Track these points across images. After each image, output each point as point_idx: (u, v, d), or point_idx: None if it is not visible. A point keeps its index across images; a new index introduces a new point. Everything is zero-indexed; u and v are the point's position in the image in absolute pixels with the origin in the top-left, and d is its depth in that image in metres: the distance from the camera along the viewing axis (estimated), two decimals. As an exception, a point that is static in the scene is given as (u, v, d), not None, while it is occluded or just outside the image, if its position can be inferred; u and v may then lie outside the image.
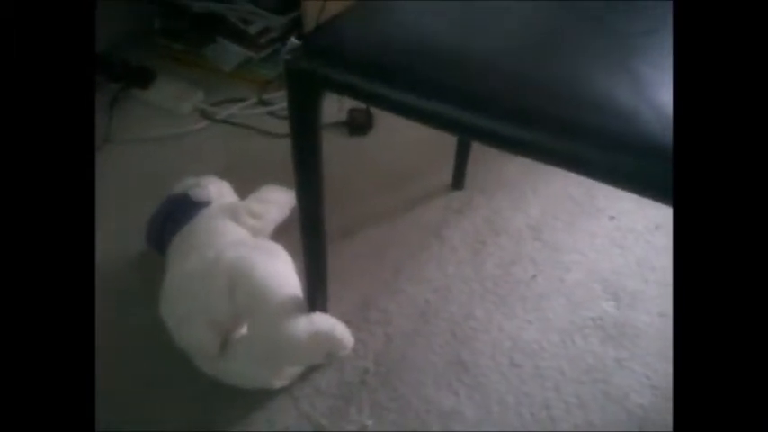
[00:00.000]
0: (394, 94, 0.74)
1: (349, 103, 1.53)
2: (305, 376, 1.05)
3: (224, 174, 1.26)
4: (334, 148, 1.42)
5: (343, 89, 0.79)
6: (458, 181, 1.42)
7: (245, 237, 1.09)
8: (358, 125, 1.57)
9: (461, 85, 0.70)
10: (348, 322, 1.07)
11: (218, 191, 1.19)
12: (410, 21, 0.80)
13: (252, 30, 1.70)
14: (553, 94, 0.67)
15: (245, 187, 1.23)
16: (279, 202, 1.18)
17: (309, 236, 0.98)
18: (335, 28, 0.80)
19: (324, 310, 1.05)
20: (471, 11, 0.80)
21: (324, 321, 1.00)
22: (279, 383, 1.01)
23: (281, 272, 1.02)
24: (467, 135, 1.10)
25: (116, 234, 1.27)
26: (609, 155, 0.63)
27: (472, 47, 0.74)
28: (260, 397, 1.02)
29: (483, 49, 0.74)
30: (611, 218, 1.35)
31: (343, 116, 1.58)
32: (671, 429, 0.97)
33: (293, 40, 0.79)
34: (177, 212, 1.13)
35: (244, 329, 0.99)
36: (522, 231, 1.32)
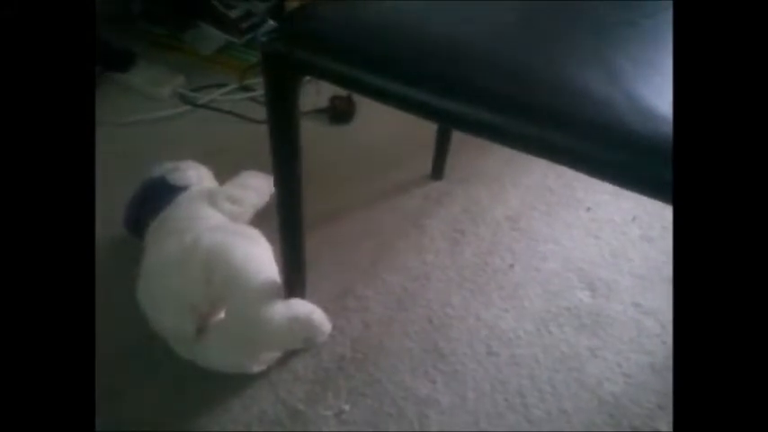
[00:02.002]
0: (372, 78, 0.73)
1: (330, 90, 1.53)
2: (282, 362, 1.05)
3: (203, 159, 1.25)
4: (315, 135, 1.41)
5: (321, 73, 0.78)
6: (437, 171, 1.43)
7: (224, 222, 1.09)
8: (339, 113, 1.57)
9: (439, 71, 0.70)
10: (325, 308, 1.07)
11: (197, 175, 1.18)
12: (390, 5, 0.80)
13: (233, 14, 1.69)
14: (529, 82, 0.67)
15: (224, 172, 1.22)
16: (258, 187, 1.17)
17: (287, 222, 0.98)
18: (315, 11, 0.80)
19: (301, 296, 1.05)
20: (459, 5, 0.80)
21: (301, 307, 1.00)
22: (256, 368, 1.01)
23: (259, 257, 1.02)
24: (444, 121, 1.10)
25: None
26: (584, 144, 0.63)
27: (451, 33, 0.74)
28: (237, 381, 1.02)
29: (462, 35, 0.74)
30: (588, 209, 1.37)
31: (324, 103, 1.57)
32: (642, 416, 1.00)
33: (270, 23, 0.78)
34: (155, 197, 1.12)
35: (221, 314, 0.99)
36: (499, 221, 1.33)
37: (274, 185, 0.92)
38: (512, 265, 1.24)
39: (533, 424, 0.99)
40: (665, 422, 0.98)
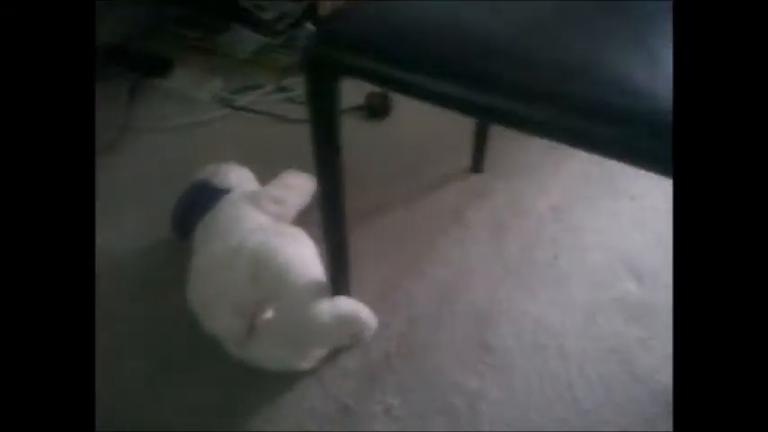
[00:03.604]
0: (411, 77, 0.74)
1: (366, 86, 1.54)
2: (330, 358, 1.06)
3: (244, 160, 1.27)
4: (353, 132, 1.42)
5: (362, 74, 0.79)
6: (477, 164, 1.42)
7: (268, 223, 1.10)
8: (376, 109, 1.58)
9: (476, 66, 0.70)
10: (371, 304, 1.08)
11: (238, 177, 1.20)
12: (423, 4, 0.80)
13: (267, 16, 1.70)
14: (567, 72, 0.66)
15: (265, 173, 1.24)
16: (300, 187, 1.19)
17: (330, 220, 0.98)
18: (351, 12, 0.80)
19: (347, 293, 1.06)
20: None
21: (347, 304, 1.01)
22: (305, 366, 1.02)
23: (304, 256, 1.03)
24: (484, 117, 1.10)
25: (140, 223, 1.28)
26: (624, 132, 0.62)
27: (487, 27, 0.74)
28: (286, 379, 1.03)
29: (497, 29, 0.74)
30: (633, 198, 1.35)
31: (360, 100, 1.58)
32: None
33: (309, 26, 0.80)
34: (200, 200, 1.14)
35: (270, 314, 1.01)
36: (542, 213, 1.32)
37: (317, 185, 0.93)
38: (556, 257, 1.23)
39: (583, 415, 0.98)
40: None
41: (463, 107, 0.73)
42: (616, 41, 0.69)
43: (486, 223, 1.30)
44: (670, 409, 0.98)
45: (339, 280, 1.05)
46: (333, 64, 0.79)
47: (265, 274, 0.97)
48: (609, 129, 0.64)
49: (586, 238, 1.26)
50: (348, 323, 1.00)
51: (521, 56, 0.70)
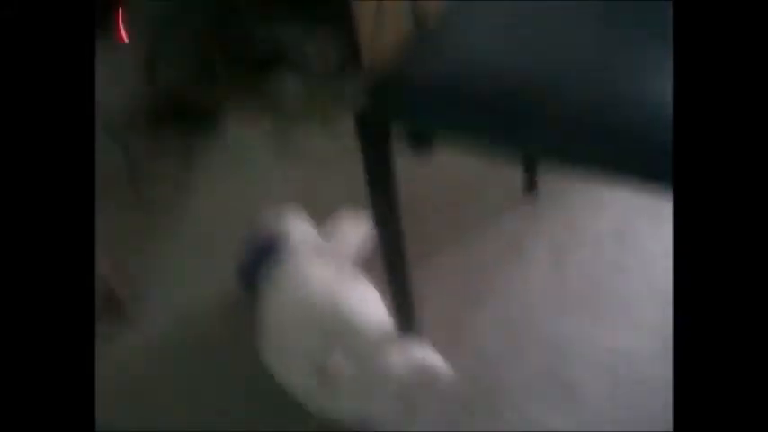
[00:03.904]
0: (467, 136, 0.79)
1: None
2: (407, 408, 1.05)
3: (299, 202, 1.29)
4: (400, 168, 1.43)
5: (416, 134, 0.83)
6: (529, 188, 1.40)
7: (330, 273, 1.11)
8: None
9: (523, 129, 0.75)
10: (439, 346, 1.07)
11: (296, 222, 1.21)
12: (470, 58, 0.80)
13: (312, 60, 1.72)
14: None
15: (320, 216, 1.25)
16: (358, 232, 1.19)
17: (392, 262, 0.99)
18: (399, 74, 0.82)
19: (414, 336, 1.06)
20: (527, 33, 0.81)
21: (419, 353, 1.01)
22: (383, 416, 1.02)
23: (369, 303, 1.04)
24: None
25: (204, 276, 1.31)
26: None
27: (541, 73, 0.75)
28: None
29: (550, 72, 0.75)
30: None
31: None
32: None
33: (354, 77, 0.83)
34: (263, 252, 1.16)
35: (343, 366, 1.01)
36: (602, 235, 1.29)
37: (375, 230, 0.94)
38: (622, 280, 1.20)
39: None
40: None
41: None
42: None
43: (546, 249, 1.28)
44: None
45: (406, 323, 1.05)
46: (387, 129, 0.82)
47: (334, 327, 0.98)
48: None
49: (651, 258, 1.23)
50: (421, 372, 0.99)
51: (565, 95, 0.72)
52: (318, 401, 1.00)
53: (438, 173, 1.51)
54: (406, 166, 1.52)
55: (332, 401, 0.99)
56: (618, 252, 1.25)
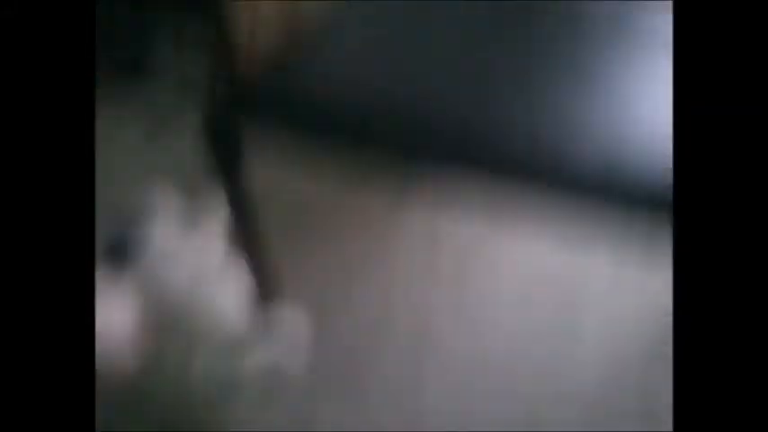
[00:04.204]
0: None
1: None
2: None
3: (166, 177, 1.20)
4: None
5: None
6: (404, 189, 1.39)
7: (197, 253, 1.06)
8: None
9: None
10: (309, 314, 1.05)
11: (163, 197, 1.16)
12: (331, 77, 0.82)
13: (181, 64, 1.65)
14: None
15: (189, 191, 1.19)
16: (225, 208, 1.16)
17: (247, 238, 0.97)
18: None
19: (276, 307, 1.03)
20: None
21: (271, 355, 0.98)
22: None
23: (226, 301, 1.00)
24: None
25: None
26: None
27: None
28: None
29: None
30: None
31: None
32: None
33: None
34: (128, 229, 1.10)
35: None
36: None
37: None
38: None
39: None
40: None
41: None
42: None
43: (425, 224, 1.28)
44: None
45: (267, 295, 1.03)
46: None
47: (194, 326, 0.94)
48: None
49: (523, 236, 1.25)
50: (273, 374, 0.97)
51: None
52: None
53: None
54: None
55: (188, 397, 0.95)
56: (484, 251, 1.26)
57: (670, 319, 0.46)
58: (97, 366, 0.53)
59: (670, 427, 0.46)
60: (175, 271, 0.99)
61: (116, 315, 0.93)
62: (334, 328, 1.10)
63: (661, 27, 0.85)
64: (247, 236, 0.96)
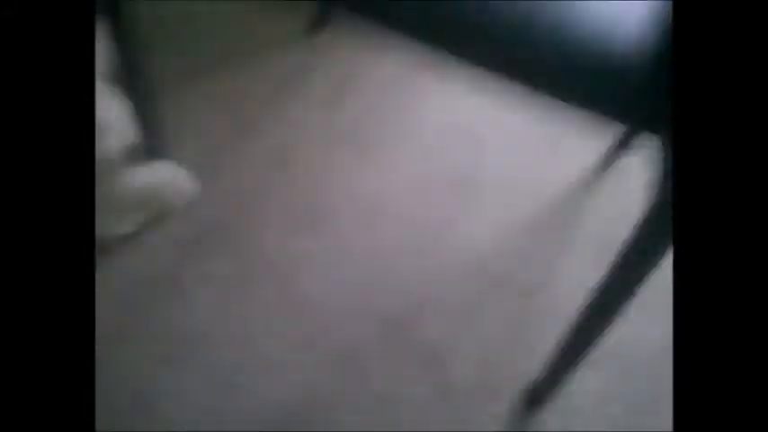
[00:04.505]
0: None
1: None
2: (153, 224, 1.02)
3: None
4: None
5: None
6: (320, 22, 1.33)
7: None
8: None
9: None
10: (198, 166, 1.03)
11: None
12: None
13: None
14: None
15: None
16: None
17: (132, 77, 0.90)
18: None
19: (165, 157, 1.00)
20: None
21: (163, 170, 0.96)
22: (123, 230, 0.98)
23: (113, 117, 0.95)
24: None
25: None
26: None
27: None
28: (105, 244, 0.98)
29: None
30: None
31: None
32: (506, 269, 1.07)
33: None
34: None
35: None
36: (384, 80, 1.28)
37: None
38: (386, 119, 1.22)
39: (403, 279, 1.03)
40: (528, 274, 1.05)
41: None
42: None
43: (326, 85, 1.25)
44: (482, 272, 1.06)
45: (154, 142, 0.98)
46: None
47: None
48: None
49: (427, 104, 1.26)
50: (163, 189, 0.95)
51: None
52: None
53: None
54: None
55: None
56: (395, 97, 1.26)
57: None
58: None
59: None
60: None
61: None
62: (221, 186, 1.09)
63: None
64: (132, 78, 0.89)
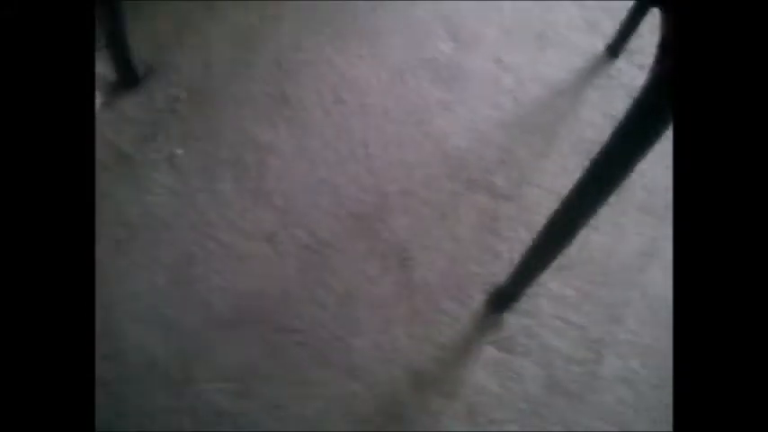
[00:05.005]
0: None
1: None
2: (109, 102, 0.95)
3: None
4: None
5: None
6: None
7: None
8: None
9: None
10: (161, 46, 0.95)
11: None
12: None
13: None
14: None
15: None
16: None
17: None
18: None
19: (121, 32, 0.91)
20: None
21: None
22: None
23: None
24: None
25: None
26: None
27: None
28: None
29: None
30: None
31: None
32: (481, 170, 1.03)
33: None
34: None
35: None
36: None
37: None
38: (375, 9, 1.14)
39: (373, 174, 0.99)
40: (502, 176, 1.02)
41: None
42: None
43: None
44: (456, 170, 1.02)
45: (110, 17, 0.89)
46: None
47: None
48: None
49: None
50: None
51: None
52: None
53: None
54: None
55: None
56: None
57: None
58: None
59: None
60: None
61: None
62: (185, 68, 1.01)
63: None
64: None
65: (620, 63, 1.12)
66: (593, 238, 0.97)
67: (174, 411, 0.79)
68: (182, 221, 0.90)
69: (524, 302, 0.90)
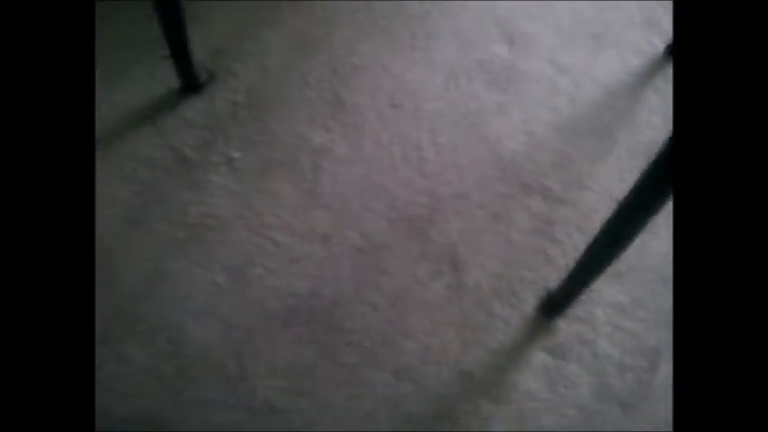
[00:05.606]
0: None
1: None
2: (171, 107, 0.99)
3: None
4: None
5: None
6: None
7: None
8: None
9: None
10: (219, 52, 0.99)
11: None
12: None
13: None
14: None
15: None
16: None
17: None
18: None
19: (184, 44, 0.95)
20: None
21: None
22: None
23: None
24: None
25: None
26: None
27: None
28: (122, 127, 0.97)
29: None
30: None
31: None
32: (535, 173, 1.02)
33: None
34: None
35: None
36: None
37: None
38: (429, 12, 1.15)
39: (426, 177, 1.00)
40: (557, 180, 1.01)
41: None
42: None
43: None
44: (509, 173, 1.02)
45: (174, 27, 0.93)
46: None
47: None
48: None
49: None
50: None
51: None
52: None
53: None
54: None
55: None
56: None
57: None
58: None
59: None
60: None
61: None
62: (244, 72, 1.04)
63: None
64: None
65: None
66: (651, 244, 0.94)
67: (230, 407, 0.82)
68: (239, 223, 0.93)
69: (577, 308, 0.89)
